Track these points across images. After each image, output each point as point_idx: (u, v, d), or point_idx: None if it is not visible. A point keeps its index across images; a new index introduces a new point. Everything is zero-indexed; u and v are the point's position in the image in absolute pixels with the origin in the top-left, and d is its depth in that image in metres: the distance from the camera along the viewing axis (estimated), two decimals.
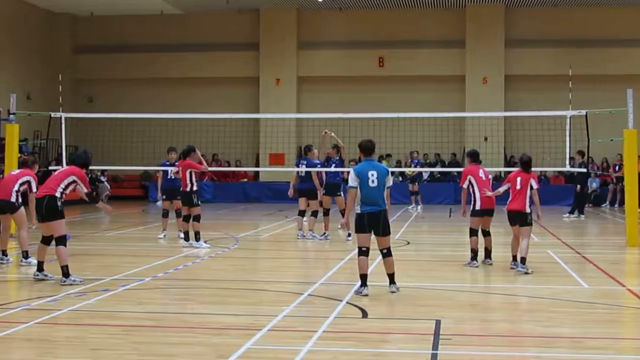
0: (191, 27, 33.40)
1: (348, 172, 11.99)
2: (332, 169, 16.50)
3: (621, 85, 19.43)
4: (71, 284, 10.17)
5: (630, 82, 19.72)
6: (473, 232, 12.46)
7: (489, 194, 12.35)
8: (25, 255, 12.18)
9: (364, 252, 9.56)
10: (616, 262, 13.34)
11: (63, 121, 18.44)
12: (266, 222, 19.98)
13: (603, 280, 11.06)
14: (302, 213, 16.46)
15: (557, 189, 28.47)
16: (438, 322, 7.94)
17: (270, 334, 7.51)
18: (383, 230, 9.62)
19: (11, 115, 16.97)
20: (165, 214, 16.41)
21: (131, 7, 32.16)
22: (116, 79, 33.65)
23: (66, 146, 19.13)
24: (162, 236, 16.18)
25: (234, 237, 16.71)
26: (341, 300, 9.14)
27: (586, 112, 16.57)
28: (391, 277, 9.78)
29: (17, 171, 12.74)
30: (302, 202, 16.42)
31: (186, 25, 33.43)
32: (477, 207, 12.39)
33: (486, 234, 12.55)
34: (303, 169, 16.17)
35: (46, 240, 10.73)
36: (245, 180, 31.58)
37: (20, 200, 12.25)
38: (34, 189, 12.12)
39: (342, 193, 16.37)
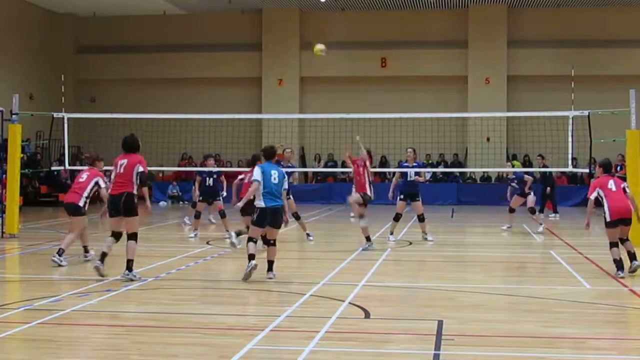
0: (194, 28, 33.41)
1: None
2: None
3: (624, 85, 19.40)
4: (131, 280, 10.36)
5: (633, 83, 19.69)
6: (612, 245, 11.71)
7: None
8: (61, 252, 12.16)
9: (254, 241, 10.92)
10: None
11: (65, 121, 18.44)
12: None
13: (605, 280, 11.06)
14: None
15: (559, 189, 28.42)
16: (440, 323, 7.94)
17: (272, 334, 7.51)
18: (279, 223, 11.00)
19: (13, 116, 16.98)
20: (197, 215, 16.71)
21: (134, 7, 32.17)
22: (119, 79, 33.65)
23: (69, 146, 19.11)
24: (192, 236, 16.42)
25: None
26: (344, 301, 9.14)
27: (588, 113, 16.57)
28: (271, 264, 10.98)
29: (85, 176, 12.55)
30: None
31: (189, 25, 33.44)
32: (608, 218, 11.67)
33: (623, 240, 11.79)
34: (412, 169, 16.34)
35: (116, 236, 10.83)
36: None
37: (87, 207, 12.31)
38: (103, 185, 12.15)
39: (291, 197, 15.97)
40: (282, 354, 6.94)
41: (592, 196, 11.73)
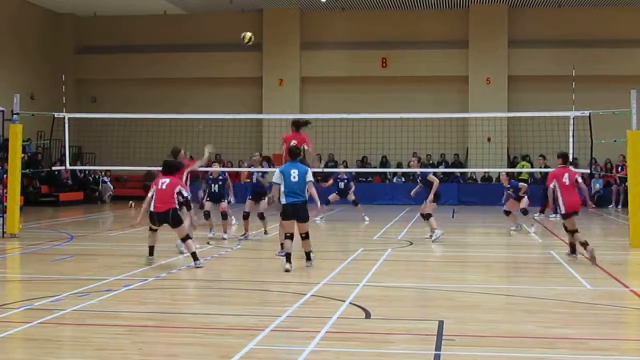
0: (194, 28, 33.42)
1: None
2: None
3: (625, 85, 19.40)
4: (197, 265, 11.86)
5: (634, 83, 19.68)
6: (572, 232, 13.07)
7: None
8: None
9: (289, 236, 11.89)
10: (620, 263, 13.32)
11: (66, 121, 18.44)
12: (269, 222, 20.00)
13: (606, 281, 11.05)
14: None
15: None
16: (441, 323, 7.93)
17: (273, 334, 7.51)
18: (303, 217, 11.93)
19: (14, 116, 16.98)
20: (207, 215, 16.62)
21: (134, 7, 32.19)
22: (119, 79, 33.67)
23: (69, 146, 19.10)
24: (211, 235, 16.40)
25: (237, 237, 16.73)
26: (344, 301, 9.14)
27: (589, 113, 16.56)
28: (308, 254, 12.21)
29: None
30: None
31: (189, 25, 33.45)
32: (562, 211, 12.91)
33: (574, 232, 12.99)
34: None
35: (157, 230, 12.38)
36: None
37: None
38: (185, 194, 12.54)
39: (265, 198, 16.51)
40: (282, 354, 6.94)
41: (552, 185, 12.90)
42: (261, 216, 16.63)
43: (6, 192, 16.76)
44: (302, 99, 32.81)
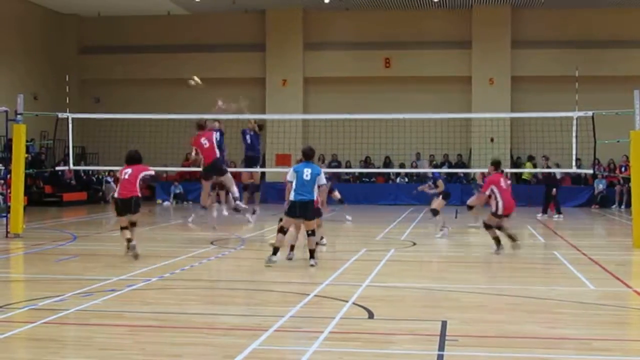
0: (197, 28, 33.43)
1: None
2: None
3: (628, 86, 19.36)
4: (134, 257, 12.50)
5: (637, 83, 19.62)
6: (488, 226, 14.17)
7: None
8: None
9: (285, 231, 12.24)
10: (623, 264, 13.31)
11: (70, 122, 18.48)
12: (272, 222, 20.01)
13: (609, 281, 11.04)
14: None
15: (563, 190, 28.40)
16: (444, 323, 7.93)
17: (276, 334, 7.51)
18: (310, 215, 12.20)
19: (18, 116, 17.02)
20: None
21: (138, 8, 32.23)
22: (123, 79, 33.70)
23: (73, 147, 19.13)
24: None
25: (240, 237, 16.74)
26: (347, 301, 9.14)
27: (593, 114, 16.55)
28: (312, 252, 12.22)
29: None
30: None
31: (193, 25, 33.47)
32: (499, 212, 13.91)
33: (503, 227, 14.24)
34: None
35: (127, 226, 13.00)
36: (252, 180, 31.53)
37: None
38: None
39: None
40: (285, 354, 6.94)
41: (487, 192, 13.89)
42: (257, 188, 17.02)
43: (10, 192, 16.78)
44: (305, 100, 32.81)
